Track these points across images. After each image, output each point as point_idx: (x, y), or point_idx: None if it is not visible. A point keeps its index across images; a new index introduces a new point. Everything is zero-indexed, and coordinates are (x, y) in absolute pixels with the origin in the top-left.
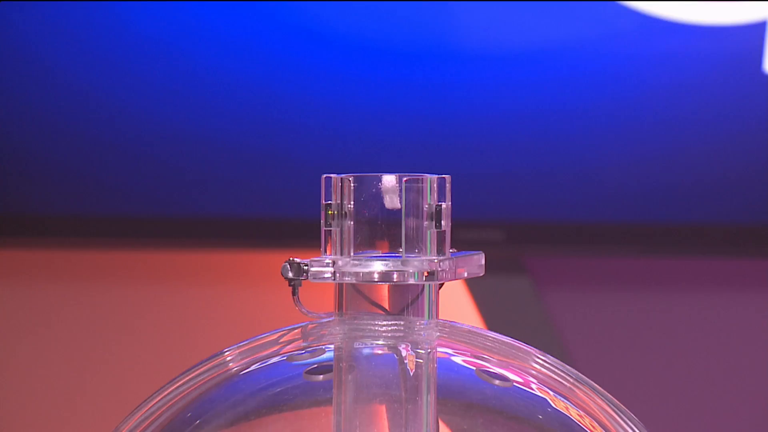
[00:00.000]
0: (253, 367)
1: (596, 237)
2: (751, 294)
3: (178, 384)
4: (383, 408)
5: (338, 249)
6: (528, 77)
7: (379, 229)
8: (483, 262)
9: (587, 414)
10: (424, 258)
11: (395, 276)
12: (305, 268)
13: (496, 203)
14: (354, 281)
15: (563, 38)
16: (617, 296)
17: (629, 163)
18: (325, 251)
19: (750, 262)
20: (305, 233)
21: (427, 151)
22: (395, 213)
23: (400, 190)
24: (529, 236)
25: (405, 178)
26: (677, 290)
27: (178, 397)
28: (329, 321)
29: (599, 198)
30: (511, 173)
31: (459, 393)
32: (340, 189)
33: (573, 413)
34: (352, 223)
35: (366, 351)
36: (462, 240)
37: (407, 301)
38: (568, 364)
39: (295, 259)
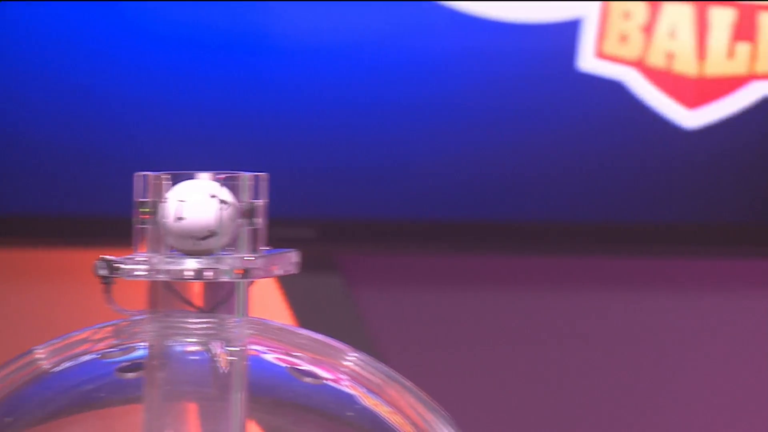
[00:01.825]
0: (64, 365)
1: (408, 234)
2: (567, 291)
3: None
4: (194, 406)
5: (152, 246)
6: (343, 72)
7: None
8: (297, 260)
9: (398, 411)
10: (237, 255)
11: (207, 273)
12: (118, 265)
13: (308, 201)
14: (167, 278)
15: (379, 33)
16: (429, 294)
17: (440, 160)
18: (139, 249)
19: (562, 260)
20: (119, 231)
21: (243, 148)
22: None
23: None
24: (341, 234)
25: (220, 176)
26: (488, 287)
27: None
28: (142, 319)
29: (410, 195)
30: (324, 170)
31: (270, 391)
32: (154, 187)
33: (383, 410)
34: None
35: (177, 349)
36: (274, 238)
37: (220, 298)
38: (379, 362)
39: (108, 256)
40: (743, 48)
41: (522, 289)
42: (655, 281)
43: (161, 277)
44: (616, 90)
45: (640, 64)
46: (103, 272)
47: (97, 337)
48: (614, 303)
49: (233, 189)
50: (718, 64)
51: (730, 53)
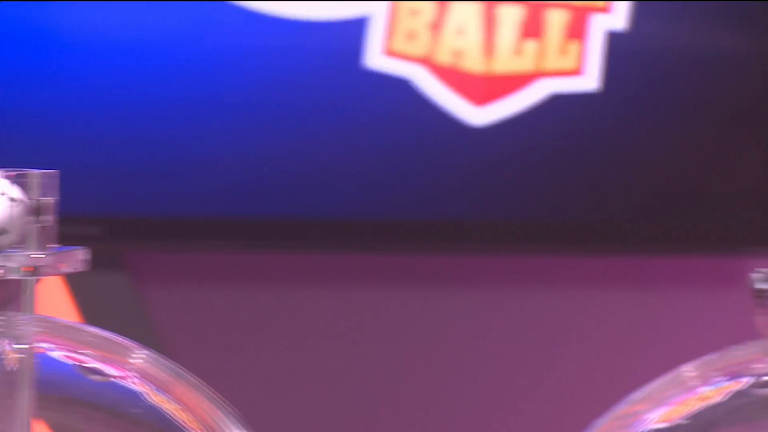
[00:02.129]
0: None
1: (195, 232)
2: (347, 287)
3: None
4: None
5: None
6: (135, 69)
7: None
8: (85, 257)
9: (186, 408)
10: (25, 253)
11: None
12: None
13: (96, 198)
14: None
15: (169, 31)
16: (216, 292)
17: (228, 157)
18: None
19: (344, 257)
20: None
21: (32, 145)
22: None
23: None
24: (129, 231)
25: (10, 173)
26: (275, 285)
27: None
28: None
29: (196, 192)
30: (111, 167)
31: (58, 388)
32: None
33: (171, 408)
34: None
35: None
36: (62, 235)
37: (8, 296)
38: (167, 359)
39: None
40: (531, 45)
41: (309, 286)
42: (445, 278)
43: None
44: (403, 87)
45: (427, 62)
46: None
47: None
48: (404, 299)
49: (23, 186)
50: (505, 62)
51: (518, 50)
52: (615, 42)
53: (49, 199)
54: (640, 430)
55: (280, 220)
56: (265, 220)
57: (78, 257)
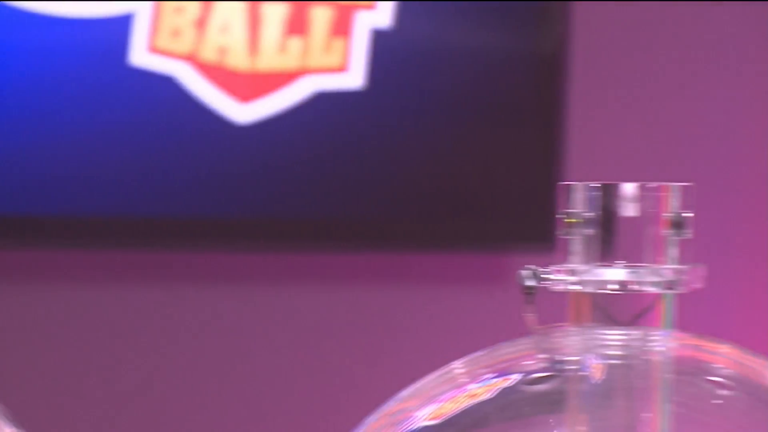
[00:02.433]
0: None
1: None
2: (115, 285)
3: None
4: None
5: None
6: None
7: None
8: None
9: None
10: None
11: None
12: None
13: None
14: None
15: None
16: None
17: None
18: None
19: (122, 253)
20: None
21: None
22: None
23: None
24: None
25: None
26: (35, 281)
27: None
28: None
29: None
30: None
31: None
32: None
33: None
34: None
35: None
36: None
37: None
38: None
39: None
40: (295, 43)
41: (68, 282)
42: (207, 275)
43: None
44: (168, 85)
45: (192, 59)
46: None
47: None
48: (162, 296)
49: None
50: (270, 59)
51: (282, 48)
52: (380, 39)
53: None
54: (410, 427)
55: (44, 218)
56: (29, 217)
57: None
